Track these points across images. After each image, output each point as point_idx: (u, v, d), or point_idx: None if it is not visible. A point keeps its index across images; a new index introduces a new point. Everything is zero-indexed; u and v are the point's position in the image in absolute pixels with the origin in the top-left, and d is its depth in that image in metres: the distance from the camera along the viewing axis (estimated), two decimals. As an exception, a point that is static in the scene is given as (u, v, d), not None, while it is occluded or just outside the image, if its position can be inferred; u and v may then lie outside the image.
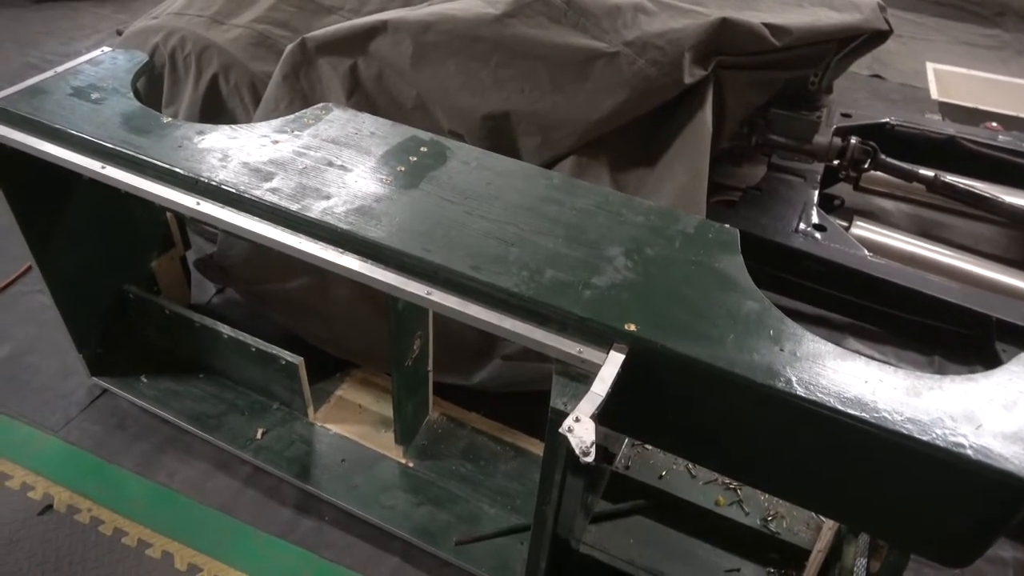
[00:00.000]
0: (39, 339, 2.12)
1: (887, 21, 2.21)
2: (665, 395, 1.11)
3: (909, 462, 0.98)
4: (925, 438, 0.95)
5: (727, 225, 1.29)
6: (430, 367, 1.80)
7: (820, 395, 1.00)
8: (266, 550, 1.67)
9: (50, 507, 1.72)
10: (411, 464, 1.80)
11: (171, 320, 1.92)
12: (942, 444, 0.95)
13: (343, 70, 1.89)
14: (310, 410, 1.88)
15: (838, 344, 1.08)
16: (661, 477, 1.75)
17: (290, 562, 1.65)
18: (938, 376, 1.05)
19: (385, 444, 1.83)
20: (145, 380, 1.95)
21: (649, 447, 1.81)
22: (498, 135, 1.86)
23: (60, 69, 1.61)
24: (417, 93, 1.89)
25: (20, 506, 1.72)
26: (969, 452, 0.94)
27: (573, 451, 0.94)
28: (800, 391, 1.00)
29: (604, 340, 1.08)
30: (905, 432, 0.96)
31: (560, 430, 0.95)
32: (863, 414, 0.98)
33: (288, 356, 1.77)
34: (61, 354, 2.01)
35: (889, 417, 0.98)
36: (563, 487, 1.11)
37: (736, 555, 1.60)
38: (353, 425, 1.89)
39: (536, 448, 1.85)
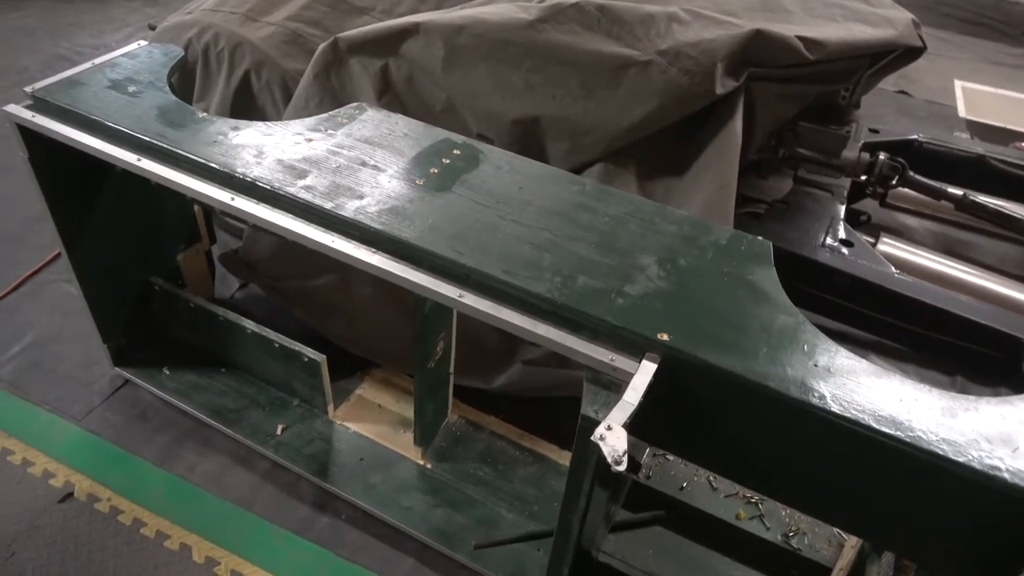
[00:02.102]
0: (64, 328, 2.13)
1: (921, 38, 2.20)
2: (696, 406, 1.10)
3: (943, 483, 0.97)
4: (960, 460, 0.94)
5: (759, 238, 1.29)
6: (451, 369, 1.80)
7: (855, 412, 0.99)
8: (283, 546, 1.67)
9: (71, 495, 1.73)
10: (429, 465, 1.80)
11: (195, 313, 1.93)
12: (978, 466, 0.94)
13: (374, 71, 1.90)
14: (330, 408, 1.88)
15: (860, 360, 1.08)
16: (682, 488, 1.74)
17: (306, 559, 1.65)
18: (973, 397, 1.04)
19: (404, 445, 1.83)
20: (167, 372, 1.96)
21: (671, 457, 1.80)
22: (527, 140, 1.86)
23: (98, 61, 1.63)
24: (447, 96, 1.89)
25: (41, 493, 1.73)
26: (1006, 475, 0.93)
27: (604, 459, 0.93)
28: (835, 407, 0.99)
29: (636, 349, 1.08)
30: (940, 453, 0.95)
31: (592, 438, 0.95)
32: (898, 433, 0.97)
33: (311, 353, 1.78)
34: (85, 343, 2.02)
35: (924, 437, 0.97)
36: (591, 495, 1.11)
37: (756, 570, 1.59)
38: (372, 424, 1.89)
39: (554, 454, 1.84)
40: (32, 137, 1.51)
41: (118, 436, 1.86)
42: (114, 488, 1.75)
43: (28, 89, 1.51)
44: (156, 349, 2.01)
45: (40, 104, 1.50)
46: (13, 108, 1.50)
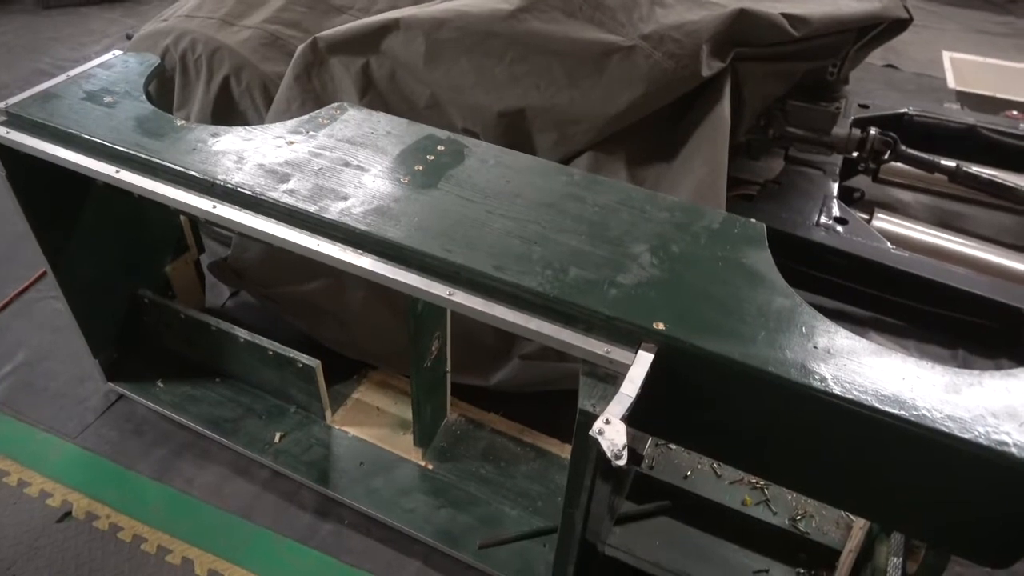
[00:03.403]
0: (54, 345, 2.11)
1: (907, 9, 2.17)
2: (695, 395, 1.08)
3: (950, 461, 0.95)
4: (967, 436, 0.93)
5: (753, 220, 1.26)
6: (448, 368, 1.78)
7: (857, 393, 0.97)
8: (286, 555, 1.65)
9: (68, 514, 1.71)
10: (430, 466, 1.78)
11: (187, 324, 1.91)
12: (984, 442, 0.92)
13: (355, 69, 1.87)
14: (327, 413, 1.86)
15: (859, 338, 1.06)
16: (686, 477, 1.72)
17: (311, 567, 1.63)
18: (977, 372, 1.02)
19: (404, 446, 1.82)
20: (161, 385, 1.94)
21: (673, 447, 1.78)
22: (513, 132, 1.84)
23: (72, 73, 1.60)
24: (431, 92, 1.86)
25: (39, 513, 1.71)
26: (1013, 450, 0.91)
27: (604, 454, 0.91)
28: (836, 389, 0.97)
29: (632, 339, 1.06)
30: (945, 430, 0.93)
31: (590, 432, 0.93)
32: (902, 412, 0.95)
33: (305, 359, 1.75)
34: (76, 360, 2.00)
35: (928, 415, 0.95)
36: (592, 490, 1.09)
37: (764, 556, 1.57)
38: (371, 428, 1.87)
39: (556, 449, 1.83)
40: (9, 154, 1.48)
41: (114, 452, 1.84)
42: (112, 505, 1.73)
43: (1, 105, 1.48)
44: (149, 362, 1.98)
45: (15, 120, 1.48)
46: (-13, 125, 1.47)
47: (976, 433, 0.93)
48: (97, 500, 1.74)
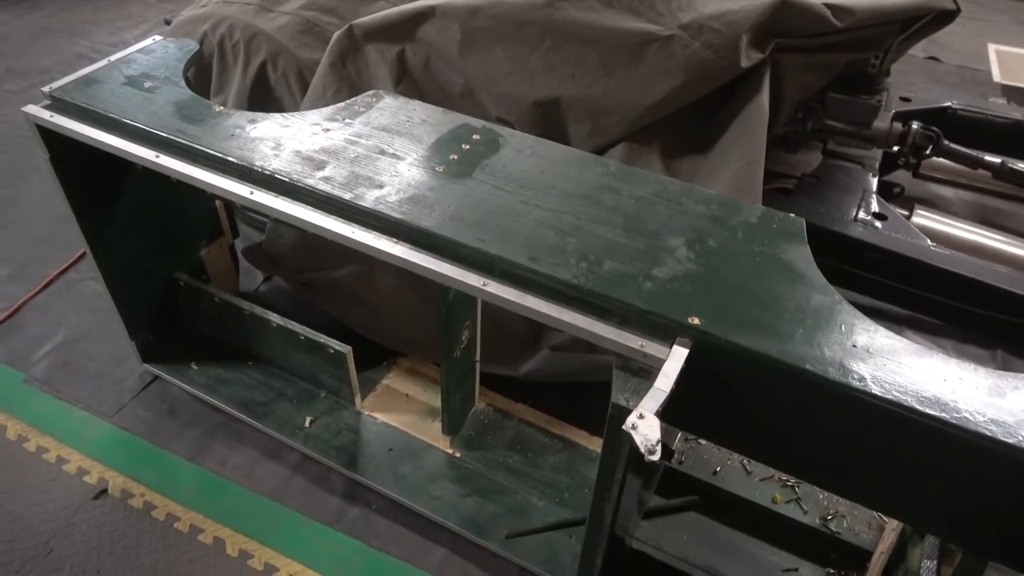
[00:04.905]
0: (92, 326, 2.15)
1: (954, 0, 2.11)
2: (730, 391, 1.07)
3: (991, 465, 0.93)
4: (1010, 441, 0.91)
5: (792, 215, 1.24)
6: (478, 357, 1.79)
7: (897, 394, 0.95)
8: (315, 538, 1.67)
9: (105, 491, 1.75)
10: (458, 454, 1.79)
11: (221, 308, 1.93)
12: (1029, 448, 0.90)
13: (390, 57, 1.87)
14: (357, 399, 1.88)
15: (896, 338, 1.04)
16: (715, 473, 1.71)
17: (339, 550, 1.65)
18: (1022, 375, 1.00)
19: (432, 434, 1.83)
20: (195, 367, 1.97)
21: (703, 441, 1.77)
22: (547, 122, 1.83)
23: (113, 58, 1.62)
24: (465, 80, 1.86)
25: (77, 490, 1.75)
26: (1059, 457, 0.89)
27: (637, 449, 0.91)
28: (876, 389, 0.95)
29: (667, 334, 1.05)
30: (988, 434, 0.91)
31: (624, 427, 0.92)
32: (943, 414, 0.93)
33: (336, 345, 1.77)
34: (113, 341, 2.04)
35: (971, 418, 0.93)
36: (623, 484, 1.08)
37: (794, 554, 1.56)
38: (400, 414, 1.88)
39: (584, 440, 1.82)
40: (52, 137, 1.51)
41: (149, 432, 1.88)
42: (147, 484, 1.77)
43: (45, 89, 1.51)
44: (183, 344, 2.02)
45: (58, 104, 1.50)
46: (32, 109, 1.50)
47: (1020, 438, 0.91)
48: (132, 478, 1.78)
